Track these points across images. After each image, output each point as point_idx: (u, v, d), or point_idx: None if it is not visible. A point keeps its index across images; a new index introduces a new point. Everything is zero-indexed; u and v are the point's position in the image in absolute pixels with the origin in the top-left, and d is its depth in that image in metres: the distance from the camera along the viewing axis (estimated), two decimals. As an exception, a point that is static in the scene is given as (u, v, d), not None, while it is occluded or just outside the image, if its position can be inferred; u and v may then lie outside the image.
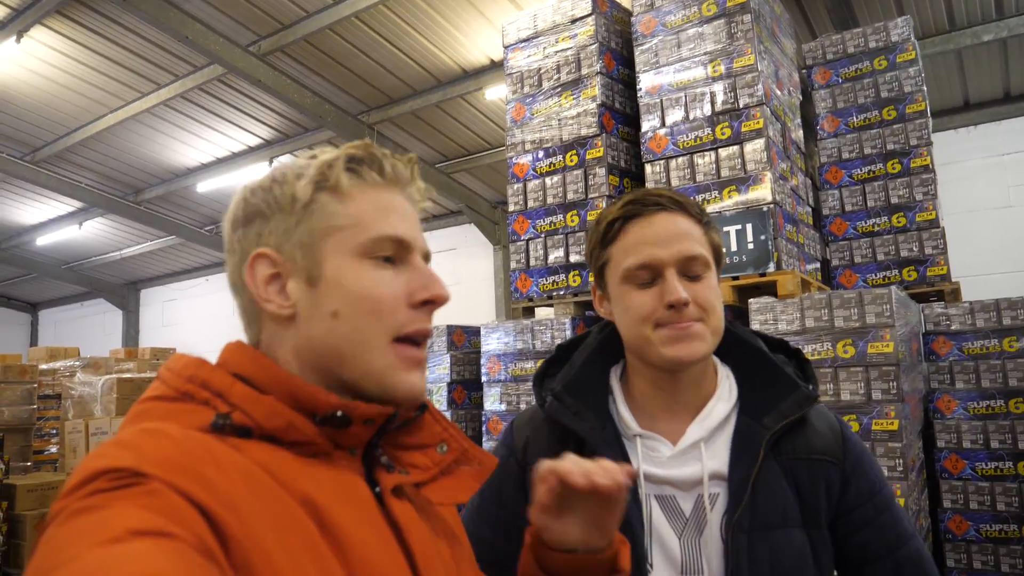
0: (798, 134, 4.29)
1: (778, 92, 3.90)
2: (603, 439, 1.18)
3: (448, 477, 0.84)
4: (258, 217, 0.81)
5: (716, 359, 1.25)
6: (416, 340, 0.81)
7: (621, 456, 1.17)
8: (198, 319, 15.93)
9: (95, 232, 14.22)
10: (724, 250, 1.24)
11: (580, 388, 1.24)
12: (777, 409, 1.16)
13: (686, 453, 1.16)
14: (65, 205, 12.95)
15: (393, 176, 0.83)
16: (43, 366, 9.18)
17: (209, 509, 0.60)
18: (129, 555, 0.51)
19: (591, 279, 1.27)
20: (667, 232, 1.14)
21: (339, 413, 0.74)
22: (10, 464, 7.02)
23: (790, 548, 1.10)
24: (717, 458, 1.16)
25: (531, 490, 1.22)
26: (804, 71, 4.95)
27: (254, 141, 10.30)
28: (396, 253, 0.81)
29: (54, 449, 8.38)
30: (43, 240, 14.36)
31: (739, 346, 1.24)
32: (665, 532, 1.13)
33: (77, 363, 9.28)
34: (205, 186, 11.33)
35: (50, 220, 13.75)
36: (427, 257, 0.85)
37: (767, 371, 1.21)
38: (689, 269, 1.14)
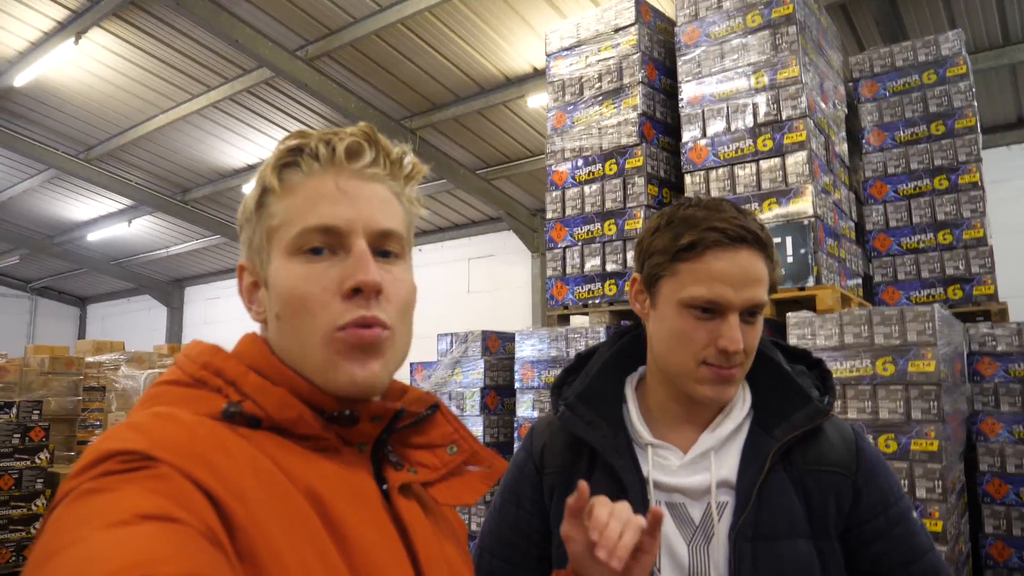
0: (842, 147, 4.23)
1: (823, 104, 3.85)
2: (614, 447, 1.19)
3: (456, 478, 0.83)
4: (243, 229, 0.83)
5: None
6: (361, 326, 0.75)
7: (632, 464, 1.18)
8: (239, 318, 16.10)
9: (143, 230, 14.60)
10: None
11: (593, 397, 1.25)
12: (789, 421, 1.16)
13: (696, 462, 1.17)
14: (116, 203, 13.33)
15: (330, 158, 0.78)
16: (89, 359, 9.43)
17: (217, 496, 0.60)
18: (135, 538, 0.51)
19: (635, 273, 1.23)
20: (744, 275, 1.10)
21: (347, 412, 0.75)
22: (55, 453, 7.21)
23: (795, 558, 1.10)
24: (727, 467, 1.16)
25: (547, 494, 1.24)
26: (850, 84, 4.88)
27: (299, 144, 10.47)
28: (326, 243, 0.76)
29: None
30: (94, 236, 14.78)
31: (758, 359, 1.23)
32: (674, 539, 1.14)
33: (122, 357, 9.51)
34: (250, 187, 11.47)
35: (101, 217, 14.16)
36: (383, 234, 0.78)
37: (781, 383, 1.21)
38: (750, 313, 1.13)
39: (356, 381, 0.74)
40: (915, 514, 1.20)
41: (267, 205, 0.79)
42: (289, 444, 0.72)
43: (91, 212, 14.00)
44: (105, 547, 0.50)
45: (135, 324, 19.13)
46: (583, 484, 0.88)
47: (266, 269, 0.79)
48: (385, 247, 0.79)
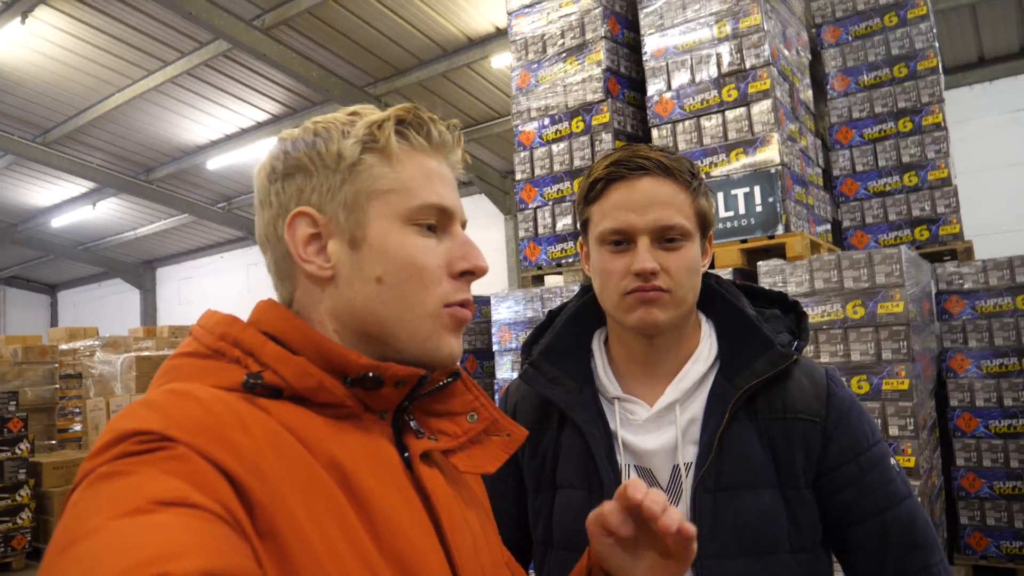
0: (807, 94, 4.23)
1: (786, 52, 3.85)
2: (579, 403, 1.19)
3: (477, 447, 0.83)
4: (299, 172, 0.78)
5: (703, 318, 1.25)
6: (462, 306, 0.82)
7: (598, 419, 1.18)
8: (214, 296, 16.09)
9: (109, 212, 14.34)
10: (714, 215, 1.21)
11: (557, 354, 1.25)
12: (751, 368, 1.14)
13: (661, 415, 1.16)
14: (78, 186, 13.06)
15: (439, 142, 0.82)
16: (63, 346, 9.32)
17: (235, 475, 0.59)
18: (151, 528, 0.51)
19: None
20: (646, 198, 1.12)
21: (371, 374, 0.74)
22: (35, 443, 7.16)
23: (759, 508, 1.09)
24: (692, 419, 1.15)
25: (519, 452, 1.24)
26: (813, 30, 4.87)
27: (262, 116, 10.30)
28: (439, 221, 0.80)
29: (78, 427, 8.54)
30: (58, 222, 14.50)
31: (721, 304, 1.23)
32: None
33: (96, 343, 9.41)
34: (215, 163, 11.37)
35: (64, 201, 13.88)
36: (464, 225, 0.85)
37: (744, 330, 1.19)
38: (665, 236, 1.12)
39: (454, 353, 0.81)
40: (893, 461, 1.18)
41: (370, 165, 0.78)
42: (310, 414, 0.72)
43: (53, 197, 13.70)
44: (120, 539, 0.49)
45: (108, 309, 18.90)
46: (636, 482, 0.83)
47: (363, 228, 0.77)
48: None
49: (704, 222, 1.17)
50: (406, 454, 0.78)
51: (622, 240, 1.13)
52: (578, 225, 1.25)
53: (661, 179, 1.13)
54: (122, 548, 0.48)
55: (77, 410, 8.64)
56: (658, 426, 1.16)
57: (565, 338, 1.27)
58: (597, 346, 1.27)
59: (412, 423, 0.81)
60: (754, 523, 1.08)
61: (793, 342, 1.18)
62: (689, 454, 1.13)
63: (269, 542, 0.59)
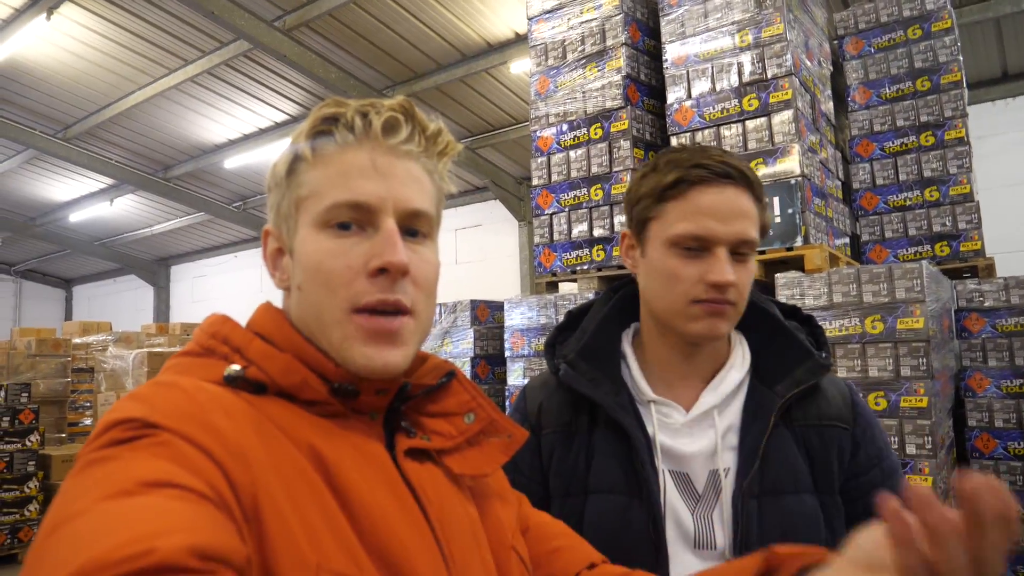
0: (828, 106, 4.19)
1: (808, 63, 3.81)
2: (619, 405, 1.17)
3: (474, 448, 0.82)
4: (270, 192, 0.82)
5: None
6: (380, 311, 0.74)
7: (636, 422, 1.16)
8: (227, 295, 16.16)
9: (126, 209, 14.44)
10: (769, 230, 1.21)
11: (593, 354, 1.23)
12: (791, 376, 1.15)
13: (699, 420, 1.16)
14: (96, 182, 13.16)
15: (365, 132, 0.76)
16: (76, 340, 9.38)
17: (218, 458, 0.60)
18: (138, 508, 0.51)
19: (626, 225, 1.22)
20: (730, 208, 1.10)
21: (351, 386, 0.74)
22: (45, 435, 7.19)
23: (802, 512, 1.10)
24: (729, 425, 1.15)
25: (546, 454, 1.22)
26: (835, 41, 4.83)
27: (280, 117, 10.34)
28: (355, 218, 0.75)
29: (88, 421, 8.58)
30: (76, 217, 14.62)
31: (754, 313, 1.22)
32: (679, 507, 1.12)
33: (109, 337, 9.47)
34: (232, 162, 11.41)
35: (82, 197, 13.98)
36: (413, 214, 0.77)
37: (782, 338, 1.20)
38: (739, 249, 1.11)
39: (372, 365, 0.74)
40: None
41: (298, 173, 0.78)
42: (295, 408, 0.72)
43: (72, 192, 13.81)
44: (108, 519, 0.50)
45: (122, 304, 19.03)
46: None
47: (292, 238, 0.78)
48: (414, 226, 0.78)
49: (763, 236, 1.18)
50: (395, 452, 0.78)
51: (698, 246, 1.10)
52: (626, 218, 1.22)
53: (742, 190, 1.12)
54: (110, 527, 0.49)
55: (88, 404, 8.68)
56: (695, 431, 1.15)
57: (598, 338, 1.25)
58: (628, 348, 1.25)
59: (403, 423, 0.81)
60: (800, 527, 1.09)
61: (821, 352, 1.20)
62: (727, 459, 1.13)
63: (252, 525, 0.60)
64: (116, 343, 9.14)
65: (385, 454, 0.76)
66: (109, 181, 12.89)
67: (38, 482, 6.54)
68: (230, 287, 16.32)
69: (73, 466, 0.59)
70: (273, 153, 10.79)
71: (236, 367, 0.72)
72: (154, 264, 18.03)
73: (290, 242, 0.79)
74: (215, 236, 16.09)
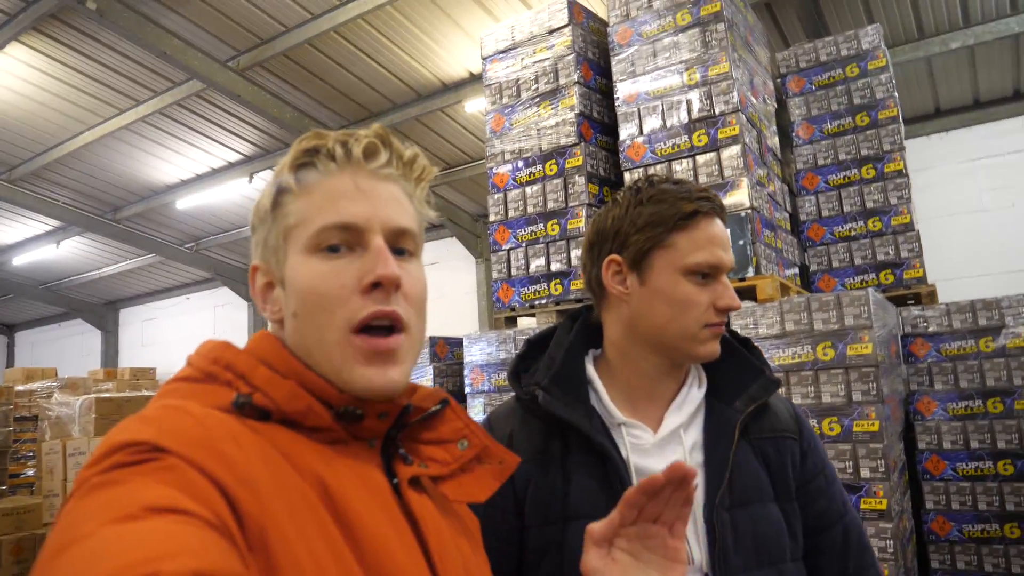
0: (774, 141, 4.34)
1: (753, 100, 3.95)
2: (595, 428, 1.19)
3: (467, 474, 0.83)
4: (254, 230, 0.83)
5: None
6: (378, 328, 0.76)
7: (611, 444, 1.18)
8: (180, 337, 15.78)
9: (73, 251, 14.07)
10: None
11: (566, 381, 1.25)
12: (747, 393, 1.24)
13: (667, 440, 1.20)
14: (42, 224, 12.82)
15: (347, 158, 0.79)
16: (19, 387, 9.06)
17: (226, 486, 0.60)
18: (142, 533, 0.51)
19: (614, 254, 1.24)
20: (725, 238, 1.22)
21: (357, 410, 0.75)
22: (-14, 487, 6.89)
23: (769, 521, 1.17)
24: (694, 442, 1.21)
25: (520, 484, 1.22)
26: (778, 80, 5.01)
27: (234, 157, 10.26)
28: (344, 240, 0.77)
29: (31, 472, 8.24)
30: (19, 260, 14.18)
31: None
32: None
33: (54, 384, 9.17)
34: (184, 203, 11.25)
35: (27, 239, 13.60)
36: (399, 232, 0.80)
37: (734, 358, 1.28)
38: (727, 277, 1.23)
39: (373, 387, 0.75)
40: None
41: (283, 205, 0.79)
42: (299, 436, 0.72)
43: (16, 235, 13.43)
44: (112, 542, 0.50)
45: (67, 350, 18.42)
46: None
47: (282, 267, 0.79)
48: (401, 245, 0.80)
49: None
50: (395, 480, 0.78)
51: (709, 273, 1.19)
52: (608, 247, 1.25)
53: (723, 220, 1.25)
54: (114, 551, 0.49)
55: (31, 454, 8.35)
56: (665, 450, 1.20)
57: (567, 366, 1.27)
58: (594, 373, 1.28)
59: (400, 450, 0.81)
60: (769, 534, 1.16)
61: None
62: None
63: (259, 554, 0.60)
64: (62, 389, 8.85)
65: (386, 483, 0.77)
66: (56, 223, 12.57)
67: (-21, 536, 6.24)
68: (183, 329, 15.95)
69: (76, 487, 0.58)
70: (227, 192, 10.77)
71: (244, 394, 0.72)
72: (102, 308, 17.55)
73: (280, 272, 0.80)
74: (166, 278, 15.76)
